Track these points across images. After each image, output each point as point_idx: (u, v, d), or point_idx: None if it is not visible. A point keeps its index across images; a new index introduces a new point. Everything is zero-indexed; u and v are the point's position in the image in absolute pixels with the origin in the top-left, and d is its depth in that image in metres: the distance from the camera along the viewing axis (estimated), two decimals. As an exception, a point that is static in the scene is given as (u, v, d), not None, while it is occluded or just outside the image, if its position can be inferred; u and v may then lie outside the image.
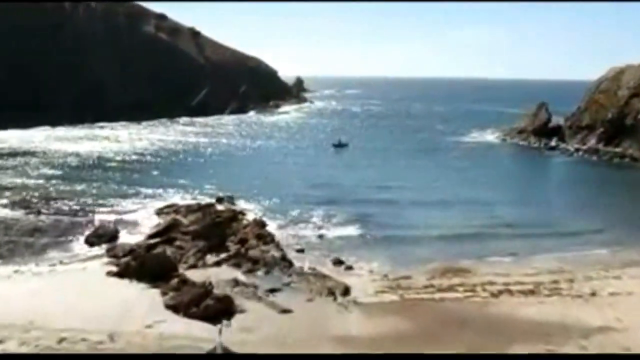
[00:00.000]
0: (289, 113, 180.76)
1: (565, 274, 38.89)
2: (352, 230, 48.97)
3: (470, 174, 76.43)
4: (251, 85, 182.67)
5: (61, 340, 26.96)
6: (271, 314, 31.28)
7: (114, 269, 37.74)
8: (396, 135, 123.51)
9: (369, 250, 44.17)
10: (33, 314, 29.23)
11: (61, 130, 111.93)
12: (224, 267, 38.78)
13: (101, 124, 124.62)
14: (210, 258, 40.30)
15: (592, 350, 27.35)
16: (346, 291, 34.88)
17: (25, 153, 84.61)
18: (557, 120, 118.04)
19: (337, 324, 30.35)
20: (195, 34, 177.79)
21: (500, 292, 35.11)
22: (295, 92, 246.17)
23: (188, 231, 44.83)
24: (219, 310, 30.37)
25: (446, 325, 30.14)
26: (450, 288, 35.89)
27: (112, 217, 51.95)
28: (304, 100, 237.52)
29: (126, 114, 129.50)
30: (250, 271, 37.93)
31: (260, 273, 37.81)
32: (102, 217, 52.14)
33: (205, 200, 58.44)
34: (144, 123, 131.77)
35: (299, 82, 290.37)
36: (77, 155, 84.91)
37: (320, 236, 47.85)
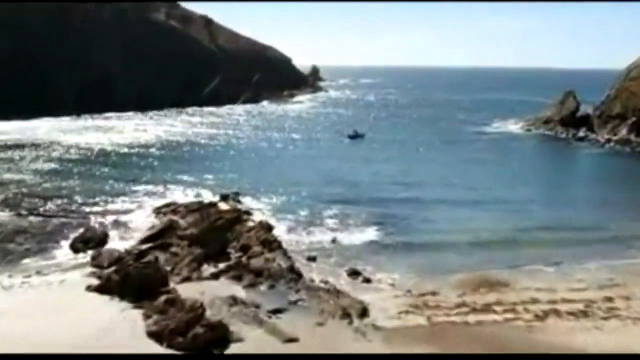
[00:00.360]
0: (303, 102, 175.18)
1: (619, 288, 33.37)
2: (369, 234, 43.58)
3: (496, 168, 70.71)
4: (265, 75, 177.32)
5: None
6: (273, 343, 26.06)
7: (96, 281, 32.79)
8: (414, 125, 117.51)
9: (388, 258, 38.85)
10: (-14, 344, 24.30)
11: (65, 121, 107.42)
12: (222, 279, 33.64)
13: (108, 114, 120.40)
14: (207, 268, 35.19)
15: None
16: (364, 312, 29.62)
17: (23, 145, 79.92)
18: (584, 109, 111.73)
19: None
20: (207, 22, 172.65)
21: (546, 314, 29.69)
22: (311, 81, 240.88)
23: (185, 235, 39.75)
24: (210, 340, 25.22)
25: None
26: (486, 307, 30.50)
27: (105, 218, 47.10)
28: (319, 89, 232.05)
29: (134, 104, 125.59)
30: (251, 285, 32.76)
31: (263, 287, 32.64)
32: (94, 217, 47.33)
33: (210, 197, 53.65)
34: (152, 113, 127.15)
35: (315, 71, 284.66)
36: (77, 147, 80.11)
37: (334, 241, 42.58)
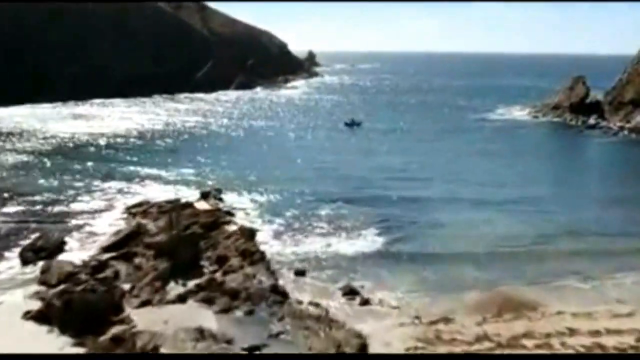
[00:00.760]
0: (298, 88, 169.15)
1: (670, 313, 27.54)
2: (368, 241, 37.53)
3: (506, 160, 64.48)
4: (260, 60, 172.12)
5: None
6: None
7: (37, 305, 26.90)
8: (414, 112, 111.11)
9: (391, 271, 32.90)
10: None
11: (48, 109, 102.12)
12: (191, 302, 27.71)
13: (98, 100, 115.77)
14: (174, 288, 29.24)
15: None
16: (362, 348, 23.74)
17: (-5, 135, 74.09)
18: (594, 95, 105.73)
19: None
20: (201, 7, 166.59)
21: (590, 349, 23.82)
22: (307, 66, 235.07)
23: (152, 243, 33.78)
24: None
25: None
26: (514, 340, 24.61)
27: (67, 221, 41.25)
28: (315, 74, 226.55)
29: (125, 91, 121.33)
30: (225, 310, 26.85)
31: (239, 313, 26.76)
32: (55, 220, 41.42)
33: (189, 195, 47.82)
34: (142, 100, 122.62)
35: (311, 56, 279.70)
36: (52, 137, 74.05)
37: (328, 247, 36.67)
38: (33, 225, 40.12)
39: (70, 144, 70.08)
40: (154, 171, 55.93)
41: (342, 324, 25.75)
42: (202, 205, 44.15)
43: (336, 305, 28.36)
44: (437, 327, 25.91)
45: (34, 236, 37.13)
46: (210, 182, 51.77)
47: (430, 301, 28.99)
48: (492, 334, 25.13)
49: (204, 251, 33.43)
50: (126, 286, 29.30)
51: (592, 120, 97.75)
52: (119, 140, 73.50)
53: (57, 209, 44.12)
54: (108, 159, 61.93)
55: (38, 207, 44.34)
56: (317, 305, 28.02)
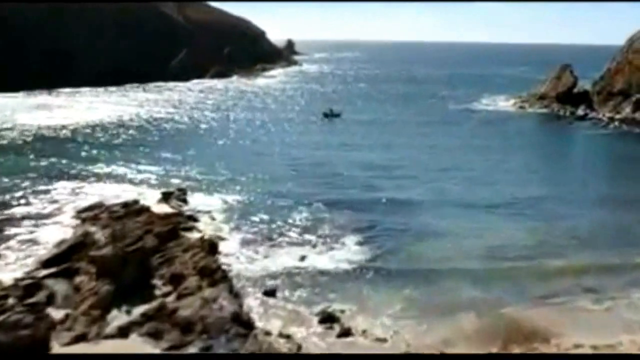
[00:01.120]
0: (275, 77, 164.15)
1: None
2: (349, 252, 32.83)
3: (494, 155, 59.94)
4: (237, 48, 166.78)
5: None
6: None
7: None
8: (396, 103, 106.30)
9: (375, 290, 28.29)
10: None
11: (9, 98, 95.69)
12: (134, 337, 22.84)
13: (67, 89, 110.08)
14: (116, 317, 24.34)
15: None
16: (341, 401, 19.16)
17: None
18: (581, 85, 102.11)
19: None
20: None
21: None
22: (285, 55, 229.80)
23: (96, 257, 28.80)
24: None
25: None
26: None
27: (4, 229, 36.06)
28: (294, 63, 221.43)
29: (94, 80, 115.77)
30: (176, 347, 22.09)
31: (193, 349, 21.99)
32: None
33: (150, 195, 42.92)
34: (112, 89, 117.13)
35: (290, 44, 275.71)
36: (9, 130, 68.39)
37: (303, 260, 31.99)
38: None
39: (27, 138, 64.37)
40: (114, 168, 50.81)
41: (318, 365, 21.12)
42: (162, 209, 39.25)
43: (311, 338, 23.70)
44: (432, 367, 21.37)
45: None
46: (174, 181, 46.87)
47: (424, 330, 24.49)
48: (500, 377, 20.62)
49: (157, 268, 28.50)
50: (60, 313, 24.47)
51: (580, 111, 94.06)
52: (79, 133, 68.01)
53: (-5, 213, 39.01)
54: (64, 154, 56.20)
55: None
56: (287, 337, 23.41)
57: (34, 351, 21.14)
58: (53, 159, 53.58)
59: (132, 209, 37.28)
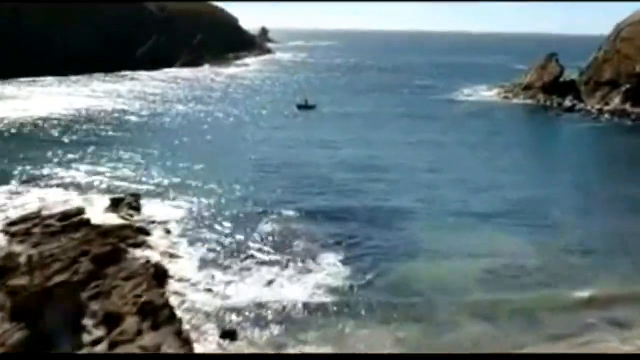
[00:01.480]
0: (248, 66, 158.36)
1: None
2: (326, 277, 27.37)
3: (483, 152, 54.71)
4: (209, 36, 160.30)
5: None
6: None
7: None
8: (374, 94, 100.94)
9: (359, 326, 23.05)
10: None
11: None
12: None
13: (26, 79, 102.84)
14: (27, 378, 18.96)
15: None
16: None
17: None
18: (567, 75, 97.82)
19: None
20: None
21: None
22: (259, 43, 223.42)
23: (17, 288, 23.26)
24: None
25: None
26: None
27: None
28: (268, 51, 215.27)
29: (57, 68, 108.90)
30: None
31: None
32: None
33: (98, 202, 37.45)
34: (75, 78, 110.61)
35: (264, 32, 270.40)
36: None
37: (271, 287, 26.67)
38: None
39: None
40: (59, 170, 44.81)
41: None
42: (109, 220, 33.91)
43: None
44: None
45: None
46: (127, 185, 41.20)
47: (420, 385, 19.33)
48: None
49: (90, 302, 23.14)
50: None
51: (568, 102, 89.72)
52: (24, 129, 61.50)
53: None
54: (2, 153, 50.10)
55: None
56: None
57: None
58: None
59: (72, 221, 31.78)
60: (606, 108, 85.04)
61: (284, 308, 24.46)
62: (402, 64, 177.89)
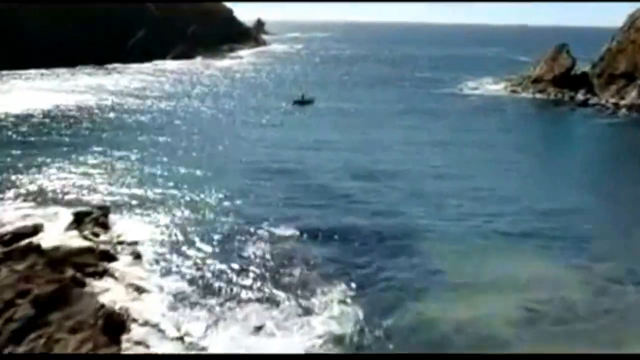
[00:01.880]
0: (243, 58, 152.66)
1: None
2: (329, 322, 21.85)
3: (499, 153, 49.31)
4: (202, 27, 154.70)
5: None
6: None
7: None
8: (373, 87, 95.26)
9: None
10: None
11: None
12: None
13: (6, 71, 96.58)
14: None
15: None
16: None
17: None
18: (578, 67, 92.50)
19: None
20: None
21: None
22: (254, 35, 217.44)
23: None
24: None
25: None
26: None
27: None
28: (263, 43, 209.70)
29: (44, 59, 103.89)
30: None
31: None
32: None
33: (63, 215, 32.08)
34: (60, 71, 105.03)
35: (260, 24, 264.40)
36: None
37: (259, 331, 21.34)
38: None
39: None
40: (22, 178, 39.13)
41: None
42: (68, 241, 28.43)
43: None
44: None
45: None
46: (96, 197, 35.69)
47: None
48: None
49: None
50: None
51: (580, 96, 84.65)
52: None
53: None
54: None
55: None
56: None
57: None
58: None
59: (19, 245, 26.36)
60: (622, 102, 79.96)
61: (274, 365, 19.07)
62: (399, 55, 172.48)
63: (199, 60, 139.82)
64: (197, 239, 29.41)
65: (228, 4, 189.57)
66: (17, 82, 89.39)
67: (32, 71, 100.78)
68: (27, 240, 26.93)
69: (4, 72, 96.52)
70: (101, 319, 19.75)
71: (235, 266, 26.42)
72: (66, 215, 32.37)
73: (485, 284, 24.52)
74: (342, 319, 22.00)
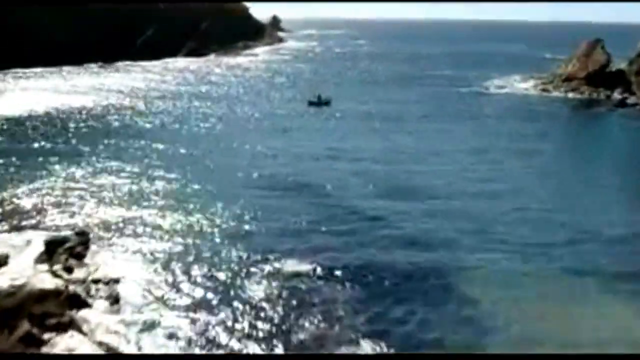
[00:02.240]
0: (257, 56, 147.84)
1: None
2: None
3: (541, 162, 43.66)
4: (216, 23, 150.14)
5: None
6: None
7: None
8: (395, 86, 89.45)
9: None
10: None
11: None
12: None
13: (15, 70, 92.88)
14: None
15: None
16: None
17: None
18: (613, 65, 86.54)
19: None
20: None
21: None
22: (269, 31, 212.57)
23: None
24: None
25: None
26: None
27: None
28: (279, 40, 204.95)
29: (52, 58, 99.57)
30: None
31: None
32: None
33: (35, 242, 26.95)
34: (67, 70, 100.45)
35: (275, 21, 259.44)
36: None
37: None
38: None
39: None
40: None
41: None
42: (34, 279, 23.16)
43: None
44: None
45: None
46: (76, 219, 30.46)
47: None
48: None
49: None
50: None
51: (617, 95, 79.05)
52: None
53: None
54: None
55: None
56: None
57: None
58: None
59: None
60: (665, 102, 74.10)
61: None
62: (419, 52, 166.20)
63: (212, 57, 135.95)
64: (191, 277, 24.19)
65: (245, 2, 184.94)
66: (20, 82, 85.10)
67: (38, 69, 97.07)
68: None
69: (12, 70, 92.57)
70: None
71: (234, 317, 21.13)
72: (39, 242, 27.22)
73: (552, 341, 19.01)
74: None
